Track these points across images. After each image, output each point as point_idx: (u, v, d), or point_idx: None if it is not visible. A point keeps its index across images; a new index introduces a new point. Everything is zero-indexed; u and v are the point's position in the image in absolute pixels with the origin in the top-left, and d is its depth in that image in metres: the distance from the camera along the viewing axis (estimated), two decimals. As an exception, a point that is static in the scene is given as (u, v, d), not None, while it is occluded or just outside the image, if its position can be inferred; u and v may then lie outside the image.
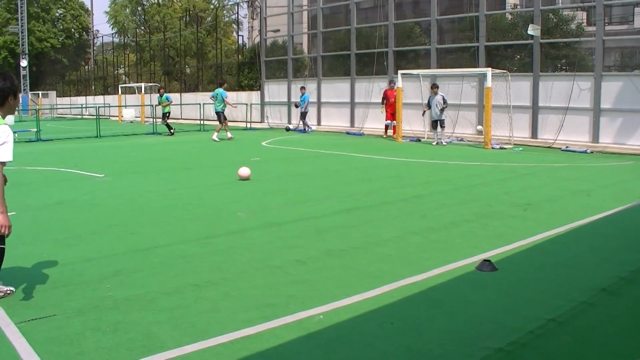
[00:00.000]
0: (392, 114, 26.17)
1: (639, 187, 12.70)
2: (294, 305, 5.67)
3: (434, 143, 23.02)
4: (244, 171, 13.53)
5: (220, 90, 25.87)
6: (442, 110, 23.08)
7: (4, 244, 5.80)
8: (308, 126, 30.97)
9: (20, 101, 53.72)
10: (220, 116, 25.84)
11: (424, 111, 23.92)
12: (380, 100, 27.44)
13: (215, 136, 25.41)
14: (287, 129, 31.65)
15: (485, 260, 6.91)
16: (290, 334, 5.00)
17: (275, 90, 33.02)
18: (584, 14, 26.43)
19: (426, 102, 23.88)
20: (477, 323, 5.23)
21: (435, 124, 23.37)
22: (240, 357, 4.58)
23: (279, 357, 4.59)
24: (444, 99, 23.10)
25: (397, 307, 5.67)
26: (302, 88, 31.19)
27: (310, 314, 5.44)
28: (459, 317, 5.39)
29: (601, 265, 7.06)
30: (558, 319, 5.28)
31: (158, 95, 30.78)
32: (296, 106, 31.34)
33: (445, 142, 23.32)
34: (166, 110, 29.67)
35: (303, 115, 30.94)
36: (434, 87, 23.49)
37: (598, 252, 7.61)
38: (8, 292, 5.92)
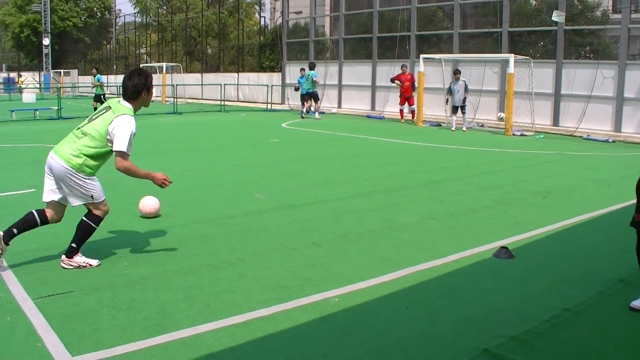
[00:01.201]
0: (405, 99, 26.05)
1: (660, 178, 12.56)
2: (310, 287, 5.67)
3: (453, 128, 22.85)
4: (148, 204, 8.41)
5: (312, 72, 27.96)
6: (464, 99, 22.90)
7: (97, 226, 6.26)
8: (308, 110, 29.98)
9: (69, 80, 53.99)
10: (315, 95, 28.40)
11: (447, 99, 23.64)
12: (389, 83, 27.33)
13: (317, 115, 28.05)
14: (308, 112, 31.48)
15: (502, 247, 6.88)
16: (305, 317, 5.01)
17: (296, 72, 32.80)
18: (610, 1, 26.11)
19: (447, 87, 23.65)
20: (492, 310, 5.21)
21: (456, 109, 23.14)
22: (254, 338, 4.59)
23: (293, 340, 4.60)
24: (465, 86, 22.87)
25: (412, 293, 5.66)
26: (302, 70, 30.89)
27: (325, 297, 5.45)
28: (474, 304, 5.37)
29: (619, 256, 7.01)
30: (574, 309, 5.25)
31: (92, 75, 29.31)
32: (296, 89, 30.77)
33: (466, 128, 23.16)
34: (99, 91, 27.81)
35: (304, 97, 29.39)
36: (456, 72, 23.23)
37: (617, 243, 7.55)
38: (87, 264, 6.15)
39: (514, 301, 5.44)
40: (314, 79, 28.02)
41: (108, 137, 6.06)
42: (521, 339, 4.66)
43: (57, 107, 26.54)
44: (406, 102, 26.24)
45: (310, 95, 28.45)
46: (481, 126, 24.39)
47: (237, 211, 8.78)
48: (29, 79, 61.44)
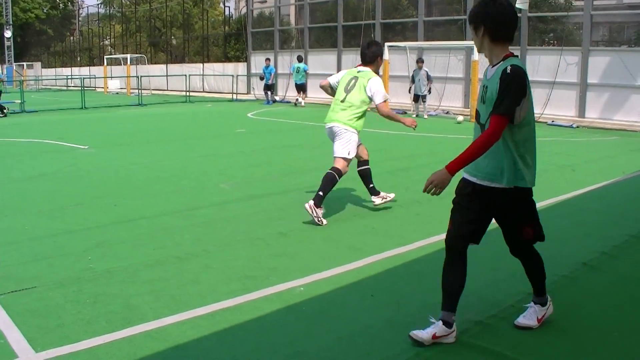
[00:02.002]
0: None
1: (623, 162, 12.73)
2: (275, 277, 5.66)
3: (414, 115, 22.91)
4: None
5: (302, 64, 30.16)
6: (429, 88, 23.04)
7: (339, 179, 7.87)
8: (273, 99, 31.13)
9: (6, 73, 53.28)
10: (304, 87, 30.59)
11: (410, 87, 23.71)
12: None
13: (303, 102, 29.66)
14: (274, 101, 31.50)
15: (468, 233, 6.91)
16: (270, 306, 5.00)
17: (261, 61, 32.76)
18: (573, -13, 26.33)
19: (411, 76, 23.69)
20: (458, 296, 5.24)
21: (417, 98, 23.30)
22: (220, 329, 4.58)
23: (259, 329, 4.59)
24: (427, 75, 22.97)
25: (379, 280, 5.67)
26: (267, 60, 31.17)
27: (291, 286, 5.44)
28: (440, 290, 5.38)
29: (584, 239, 7.08)
30: (539, 293, 5.28)
31: None
32: (261, 78, 31.25)
33: (427, 115, 23.24)
34: None
35: (268, 87, 30.96)
36: (419, 61, 23.34)
37: (581, 227, 7.63)
38: (388, 198, 8.37)
39: (480, 286, 5.47)
40: (306, 71, 30.41)
41: (369, 97, 8.04)
42: (486, 323, 4.69)
43: (20, 101, 26.18)
44: None
45: (301, 87, 30.16)
46: (446, 113, 24.50)
47: (203, 202, 8.74)
48: (-10, 72, 60.69)
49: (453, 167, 4.12)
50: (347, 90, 8.05)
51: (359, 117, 8.12)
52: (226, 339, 4.44)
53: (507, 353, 4.21)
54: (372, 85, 7.94)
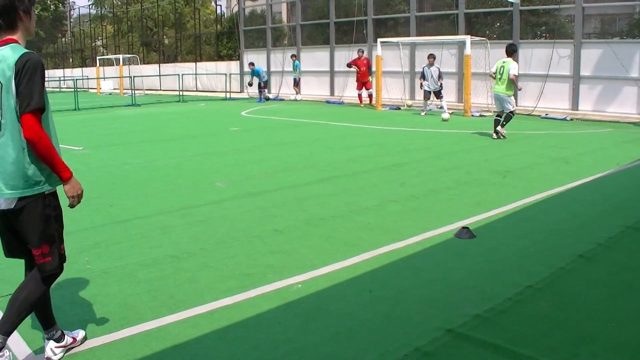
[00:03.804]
0: (362, 83, 26.20)
1: (617, 154, 12.75)
2: (272, 275, 5.66)
3: (423, 114, 22.66)
4: None
5: (297, 62, 31.25)
6: (441, 85, 22.39)
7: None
8: (266, 97, 31.27)
9: None
10: (298, 82, 31.48)
11: (421, 83, 23.08)
12: (348, 68, 27.57)
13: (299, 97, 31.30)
14: (267, 99, 31.49)
15: (463, 227, 6.93)
16: (268, 304, 5.00)
17: (254, 59, 32.76)
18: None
19: (421, 72, 23.15)
20: (455, 290, 5.25)
21: (429, 94, 22.71)
22: (219, 327, 4.58)
23: (258, 327, 4.59)
24: (439, 72, 22.25)
25: (376, 275, 5.67)
26: (251, 64, 31.15)
27: (288, 284, 5.44)
28: (438, 284, 5.40)
29: (579, 231, 7.10)
30: (536, 285, 5.30)
31: None
32: (249, 84, 31.43)
33: (449, 113, 22.71)
34: None
35: (260, 86, 30.99)
36: (430, 57, 22.49)
37: (576, 219, 7.64)
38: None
39: (477, 280, 5.48)
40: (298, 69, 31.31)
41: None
42: (484, 317, 4.70)
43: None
44: (363, 87, 26.35)
45: (297, 84, 31.25)
46: (440, 108, 24.45)
47: (198, 201, 8.73)
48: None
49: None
50: (500, 72, 14.84)
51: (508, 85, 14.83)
52: (225, 336, 4.44)
53: (506, 346, 4.21)
54: (512, 68, 14.65)
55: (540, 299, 5.03)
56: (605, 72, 21.47)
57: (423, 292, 5.20)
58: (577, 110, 22.08)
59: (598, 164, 11.54)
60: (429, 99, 22.89)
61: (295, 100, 30.72)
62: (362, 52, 26.39)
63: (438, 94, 22.37)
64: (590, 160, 12.07)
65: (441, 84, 22.22)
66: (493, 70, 15.16)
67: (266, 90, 31.06)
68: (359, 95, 26.85)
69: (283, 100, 30.85)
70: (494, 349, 4.18)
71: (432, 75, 22.20)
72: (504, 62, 14.95)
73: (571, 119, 20.34)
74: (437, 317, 4.71)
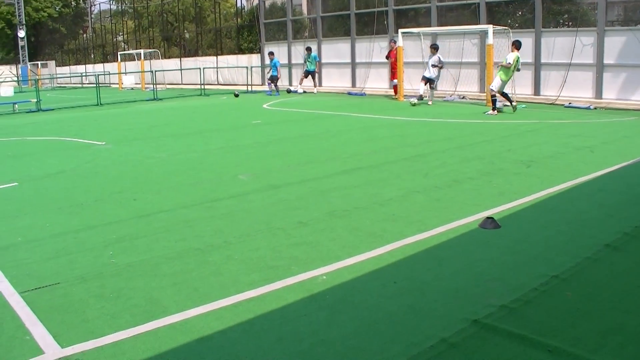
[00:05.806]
0: (394, 74, 26.10)
1: (642, 142, 12.63)
2: (297, 267, 5.66)
3: (429, 103, 22.69)
4: None
5: (314, 54, 31.24)
6: (439, 70, 22.68)
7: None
8: (276, 91, 31.04)
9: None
10: (314, 74, 31.22)
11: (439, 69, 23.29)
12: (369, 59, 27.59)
13: (315, 90, 31.32)
14: (288, 91, 31.50)
15: (488, 217, 6.89)
16: (293, 296, 4.99)
17: (275, 52, 32.71)
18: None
19: (426, 62, 23.32)
20: (480, 281, 5.22)
21: (431, 82, 22.91)
22: (244, 320, 4.58)
23: (283, 319, 4.59)
24: (439, 60, 22.58)
25: (400, 267, 5.66)
26: (271, 54, 31.23)
27: (313, 275, 5.43)
28: (463, 275, 5.38)
29: (605, 221, 7.03)
30: (562, 276, 5.26)
31: None
32: (270, 79, 31.56)
33: (428, 101, 22.94)
34: None
35: (273, 79, 31.00)
36: (432, 47, 22.98)
37: (602, 208, 7.57)
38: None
39: (502, 270, 5.45)
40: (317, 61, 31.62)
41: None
42: (510, 307, 4.66)
43: (35, 100, 26.29)
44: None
45: (312, 75, 30.94)
46: (462, 98, 24.38)
47: (222, 194, 8.75)
48: (5, 72, 60.82)
49: None
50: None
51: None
52: (250, 329, 4.44)
53: (532, 336, 4.18)
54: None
55: (566, 290, 4.99)
56: (629, 59, 21.23)
57: (448, 284, 5.18)
58: (601, 98, 21.86)
59: (623, 152, 11.43)
60: (432, 87, 23.02)
61: (312, 93, 30.69)
62: (394, 42, 26.22)
63: (431, 83, 22.90)
64: (615, 149, 11.95)
65: (437, 73, 22.80)
66: (509, 61, 16.59)
67: (273, 84, 31.01)
68: (394, 87, 26.45)
69: (305, 92, 30.79)
70: (520, 340, 4.15)
71: (432, 65, 22.57)
72: (518, 55, 18.07)
73: (595, 108, 20.15)
74: (462, 308, 4.69)
